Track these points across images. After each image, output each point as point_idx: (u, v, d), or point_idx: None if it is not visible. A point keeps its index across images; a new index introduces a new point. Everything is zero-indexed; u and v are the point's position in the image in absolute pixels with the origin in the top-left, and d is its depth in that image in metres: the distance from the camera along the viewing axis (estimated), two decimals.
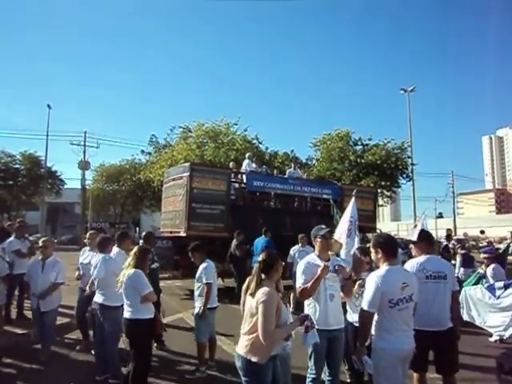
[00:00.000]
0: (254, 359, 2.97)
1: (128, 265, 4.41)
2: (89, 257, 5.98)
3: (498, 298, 5.65)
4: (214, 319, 5.47)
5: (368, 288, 3.31)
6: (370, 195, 15.69)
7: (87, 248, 6.42)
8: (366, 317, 3.30)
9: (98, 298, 5.04)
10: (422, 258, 4.06)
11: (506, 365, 4.77)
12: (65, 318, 7.41)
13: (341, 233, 6.07)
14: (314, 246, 4.23)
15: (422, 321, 3.68)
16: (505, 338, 5.85)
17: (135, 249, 4.59)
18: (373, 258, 3.61)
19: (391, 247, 3.47)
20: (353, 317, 4.31)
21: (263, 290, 3.03)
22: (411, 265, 4.05)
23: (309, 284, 3.79)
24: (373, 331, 3.34)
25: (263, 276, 3.13)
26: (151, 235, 7.13)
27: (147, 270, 4.65)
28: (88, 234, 6.61)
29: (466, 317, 6.01)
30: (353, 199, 6.62)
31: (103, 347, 4.96)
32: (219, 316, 5.69)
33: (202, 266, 5.33)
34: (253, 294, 3.08)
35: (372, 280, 3.30)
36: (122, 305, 5.09)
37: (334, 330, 3.86)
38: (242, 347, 3.09)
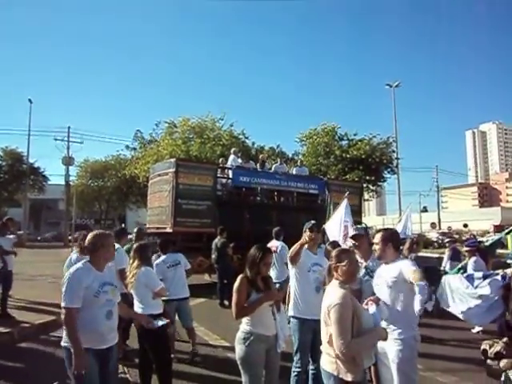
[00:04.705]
0: (348, 378, 2.59)
1: (133, 265, 4.42)
2: None
3: (476, 287, 5.77)
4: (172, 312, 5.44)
5: (418, 269, 3.26)
6: (356, 190, 15.79)
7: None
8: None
9: None
10: None
11: (491, 350, 4.87)
12: (50, 315, 7.32)
13: (335, 235, 6.11)
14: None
15: None
16: (475, 324, 6.03)
17: (134, 247, 4.61)
18: (378, 250, 3.50)
19: (399, 242, 3.54)
20: None
21: (336, 291, 2.72)
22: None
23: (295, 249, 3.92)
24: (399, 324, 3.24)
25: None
26: (142, 232, 7.11)
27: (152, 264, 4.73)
28: None
29: (442, 303, 6.15)
30: (345, 201, 6.61)
31: None
32: (206, 312, 5.69)
33: None
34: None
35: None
36: None
37: (319, 320, 3.93)
38: (327, 363, 2.72)
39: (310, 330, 3.87)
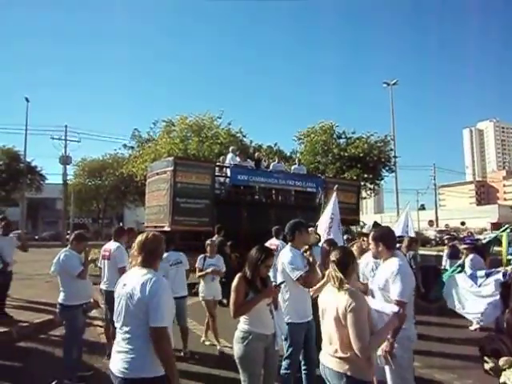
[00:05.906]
0: (364, 378, 2.59)
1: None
2: None
3: (480, 286, 5.81)
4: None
5: (402, 279, 3.19)
6: (353, 188, 15.81)
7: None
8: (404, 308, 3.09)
9: (59, 297, 4.84)
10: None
11: (488, 347, 4.90)
12: (48, 314, 7.31)
13: (323, 229, 6.18)
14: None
15: None
16: (482, 324, 6.06)
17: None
18: (372, 250, 3.57)
19: (391, 240, 3.50)
20: None
21: (350, 293, 2.62)
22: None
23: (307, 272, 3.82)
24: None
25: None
26: (121, 230, 6.85)
27: None
28: None
29: (448, 303, 6.20)
30: (334, 195, 6.69)
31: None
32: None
33: None
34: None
35: (405, 270, 3.24)
36: (82, 304, 4.81)
37: (311, 320, 3.94)
38: (337, 363, 2.63)
39: (303, 332, 3.88)
